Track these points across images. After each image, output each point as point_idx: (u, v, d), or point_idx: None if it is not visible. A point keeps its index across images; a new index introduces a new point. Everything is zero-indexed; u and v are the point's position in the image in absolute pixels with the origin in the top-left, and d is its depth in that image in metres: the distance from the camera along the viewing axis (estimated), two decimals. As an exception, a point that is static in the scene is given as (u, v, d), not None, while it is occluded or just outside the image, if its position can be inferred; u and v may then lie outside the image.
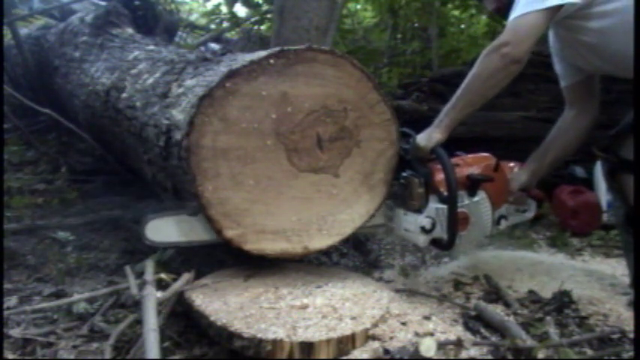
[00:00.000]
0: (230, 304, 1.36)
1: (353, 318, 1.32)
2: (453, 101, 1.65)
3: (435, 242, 1.69)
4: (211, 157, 1.45)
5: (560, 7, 1.55)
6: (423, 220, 1.63)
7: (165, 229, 1.53)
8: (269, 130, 1.52)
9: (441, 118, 1.66)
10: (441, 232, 1.64)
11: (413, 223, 1.66)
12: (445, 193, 1.62)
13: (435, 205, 1.64)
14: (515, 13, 1.59)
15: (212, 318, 1.28)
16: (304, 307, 1.36)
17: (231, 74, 1.46)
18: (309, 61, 1.55)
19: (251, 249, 1.53)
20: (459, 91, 1.64)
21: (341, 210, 1.66)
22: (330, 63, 1.57)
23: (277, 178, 1.55)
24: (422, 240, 1.65)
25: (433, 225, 1.64)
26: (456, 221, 1.62)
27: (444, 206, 1.62)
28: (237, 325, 1.24)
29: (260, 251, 1.55)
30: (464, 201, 1.67)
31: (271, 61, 1.49)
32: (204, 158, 1.44)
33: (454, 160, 1.69)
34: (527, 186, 1.85)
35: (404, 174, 1.71)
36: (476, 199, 1.69)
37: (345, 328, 1.26)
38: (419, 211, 1.66)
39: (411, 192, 1.66)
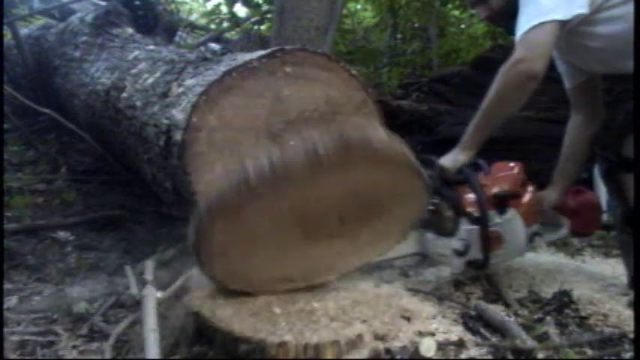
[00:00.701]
0: (240, 309, 1.35)
1: (363, 321, 1.31)
2: (474, 122, 1.64)
3: (471, 264, 1.67)
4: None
5: (569, 20, 1.54)
6: (456, 244, 1.62)
7: None
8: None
9: (465, 140, 1.66)
10: (475, 254, 1.63)
11: (446, 248, 1.64)
12: (475, 214, 1.61)
13: (466, 227, 1.62)
14: (523, 28, 1.56)
15: (218, 323, 1.27)
16: (314, 310, 1.36)
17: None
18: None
19: None
20: (479, 112, 1.63)
21: None
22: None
23: None
24: (457, 264, 1.64)
25: (467, 247, 1.62)
26: (488, 241, 1.60)
27: (476, 227, 1.61)
28: (244, 330, 1.23)
29: None
30: (495, 220, 1.65)
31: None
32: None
33: (480, 179, 1.68)
34: (557, 203, 1.86)
35: (433, 200, 1.68)
36: (507, 217, 1.68)
37: (353, 331, 1.25)
38: (451, 234, 1.64)
39: (441, 217, 1.65)
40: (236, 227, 1.30)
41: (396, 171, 1.37)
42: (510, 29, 1.84)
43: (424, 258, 1.82)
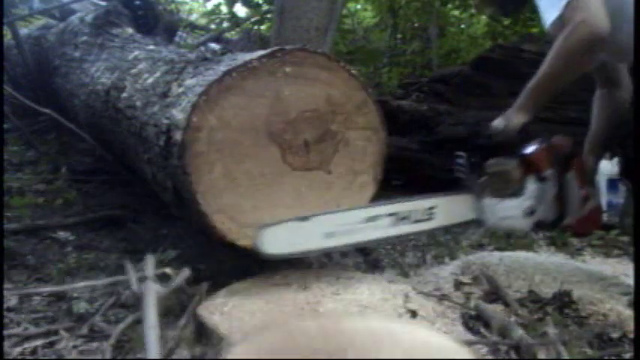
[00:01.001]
0: (244, 316, 1.35)
1: None
2: (532, 86, 1.61)
3: (539, 224, 1.66)
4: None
5: None
6: (526, 203, 1.60)
7: (280, 239, 1.47)
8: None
9: (522, 102, 1.63)
10: (544, 213, 1.61)
11: (513, 209, 1.62)
12: (546, 171, 1.59)
13: (536, 185, 1.60)
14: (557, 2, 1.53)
15: (221, 333, 1.27)
16: (317, 315, 1.35)
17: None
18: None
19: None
20: (539, 77, 1.59)
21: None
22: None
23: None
24: (527, 224, 1.63)
25: (537, 206, 1.61)
26: (566, 197, 1.60)
27: (542, 184, 1.60)
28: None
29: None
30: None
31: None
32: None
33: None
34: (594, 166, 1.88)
35: (491, 161, 1.66)
36: (567, 176, 1.67)
37: None
38: (515, 195, 1.62)
39: (506, 176, 1.62)
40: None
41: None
42: (504, 9, 1.83)
43: (481, 224, 1.79)
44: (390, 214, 1.59)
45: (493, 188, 1.66)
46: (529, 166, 1.61)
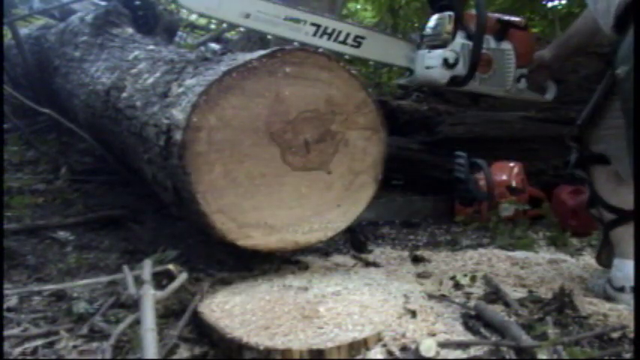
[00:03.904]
0: (244, 315, 1.35)
1: (366, 325, 1.31)
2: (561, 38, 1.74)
3: (454, 81, 1.77)
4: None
5: None
6: (447, 53, 1.72)
7: None
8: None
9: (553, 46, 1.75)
10: (462, 69, 1.73)
11: (436, 58, 1.75)
12: (472, 31, 1.70)
13: (461, 41, 1.73)
14: None
15: (222, 331, 1.27)
16: (319, 316, 1.35)
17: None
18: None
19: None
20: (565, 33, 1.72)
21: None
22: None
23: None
24: (443, 75, 1.74)
25: (456, 60, 1.72)
26: (478, 57, 1.70)
27: (469, 42, 1.71)
28: (249, 337, 1.22)
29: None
30: (490, 44, 1.76)
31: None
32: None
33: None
34: (548, 63, 1.91)
35: (434, 17, 1.77)
36: (502, 46, 1.78)
37: (359, 335, 1.25)
38: (444, 46, 1.74)
39: (441, 28, 1.75)
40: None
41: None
42: None
43: (411, 72, 1.92)
44: (313, 24, 1.73)
45: (428, 40, 1.80)
46: (462, 20, 1.72)
